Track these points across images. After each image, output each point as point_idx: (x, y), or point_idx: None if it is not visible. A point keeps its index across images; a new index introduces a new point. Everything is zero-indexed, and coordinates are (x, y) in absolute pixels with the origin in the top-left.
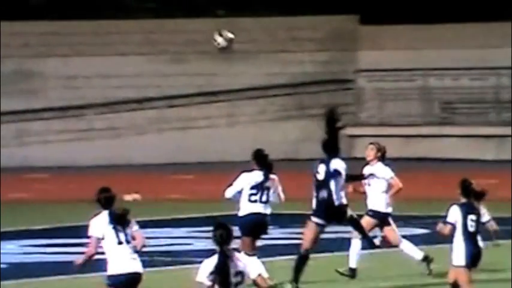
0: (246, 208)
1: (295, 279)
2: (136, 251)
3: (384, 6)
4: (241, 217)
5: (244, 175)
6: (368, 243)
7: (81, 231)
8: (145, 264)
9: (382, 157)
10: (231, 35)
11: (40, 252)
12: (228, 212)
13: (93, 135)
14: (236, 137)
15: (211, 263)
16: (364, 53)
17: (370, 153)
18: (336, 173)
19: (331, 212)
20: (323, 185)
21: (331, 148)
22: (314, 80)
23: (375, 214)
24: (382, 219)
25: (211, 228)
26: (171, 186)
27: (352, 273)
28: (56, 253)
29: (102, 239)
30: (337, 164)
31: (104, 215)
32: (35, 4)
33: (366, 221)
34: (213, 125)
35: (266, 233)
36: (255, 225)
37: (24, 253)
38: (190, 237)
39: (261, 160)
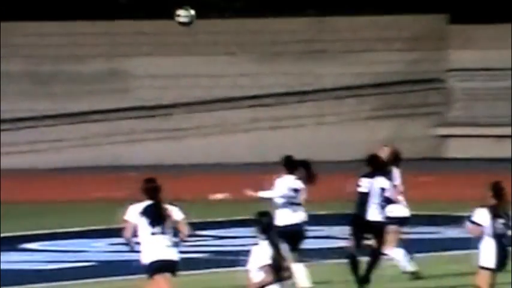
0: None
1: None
2: (176, 242)
3: (473, 5)
4: None
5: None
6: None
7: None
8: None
9: (395, 160)
10: (192, 11)
11: (128, 251)
12: (316, 212)
13: (181, 135)
14: (323, 137)
15: (261, 250)
16: (454, 52)
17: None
18: (381, 190)
19: (365, 226)
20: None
21: (378, 165)
22: (402, 80)
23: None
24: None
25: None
26: (258, 185)
27: (415, 275)
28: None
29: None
30: (382, 181)
31: (145, 204)
32: (122, 3)
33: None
34: (301, 124)
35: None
36: None
37: (112, 251)
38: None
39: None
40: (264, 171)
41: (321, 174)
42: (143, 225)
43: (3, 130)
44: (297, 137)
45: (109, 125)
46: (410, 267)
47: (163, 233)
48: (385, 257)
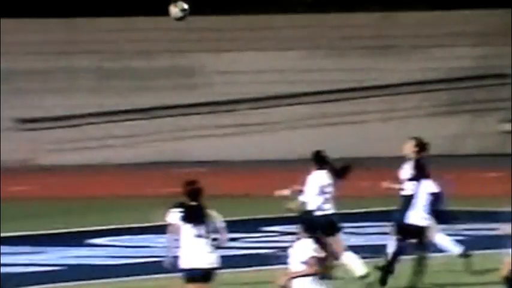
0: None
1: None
2: (218, 246)
3: None
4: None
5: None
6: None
7: (232, 226)
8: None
9: (421, 152)
10: (185, 6)
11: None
12: (387, 208)
13: (248, 130)
14: (391, 133)
15: (305, 246)
16: None
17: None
18: (429, 195)
19: (409, 230)
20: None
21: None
22: (470, 75)
23: None
24: None
25: (369, 224)
26: None
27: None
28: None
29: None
30: (430, 186)
31: (187, 206)
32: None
33: None
34: (368, 120)
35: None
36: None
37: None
38: (348, 233)
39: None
40: None
41: (386, 170)
42: (185, 227)
43: (73, 126)
44: (363, 133)
45: (176, 120)
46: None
47: (204, 236)
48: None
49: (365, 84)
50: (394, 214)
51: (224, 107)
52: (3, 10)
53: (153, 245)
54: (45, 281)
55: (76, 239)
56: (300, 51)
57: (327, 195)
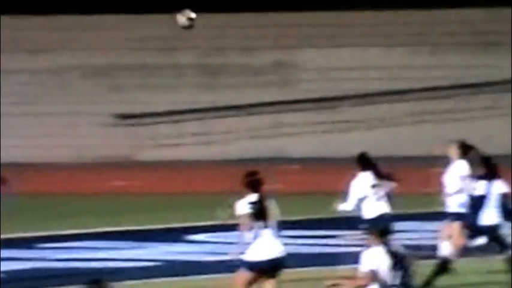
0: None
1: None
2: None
3: None
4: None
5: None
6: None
7: (332, 224)
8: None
9: (465, 154)
10: (192, 15)
11: (295, 244)
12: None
13: (348, 127)
14: (495, 130)
15: (374, 254)
16: None
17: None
18: (499, 195)
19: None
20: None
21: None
22: None
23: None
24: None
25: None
26: (425, 179)
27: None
28: (310, 245)
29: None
30: (501, 186)
31: (251, 198)
32: None
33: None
34: (472, 117)
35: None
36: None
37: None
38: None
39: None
40: (431, 165)
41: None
42: (251, 219)
43: (173, 122)
44: (467, 130)
45: (276, 117)
46: None
47: (269, 227)
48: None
49: (468, 81)
50: (464, 215)
51: (324, 104)
52: (108, 6)
53: None
54: (144, 276)
55: (176, 235)
56: (402, 47)
57: (374, 197)
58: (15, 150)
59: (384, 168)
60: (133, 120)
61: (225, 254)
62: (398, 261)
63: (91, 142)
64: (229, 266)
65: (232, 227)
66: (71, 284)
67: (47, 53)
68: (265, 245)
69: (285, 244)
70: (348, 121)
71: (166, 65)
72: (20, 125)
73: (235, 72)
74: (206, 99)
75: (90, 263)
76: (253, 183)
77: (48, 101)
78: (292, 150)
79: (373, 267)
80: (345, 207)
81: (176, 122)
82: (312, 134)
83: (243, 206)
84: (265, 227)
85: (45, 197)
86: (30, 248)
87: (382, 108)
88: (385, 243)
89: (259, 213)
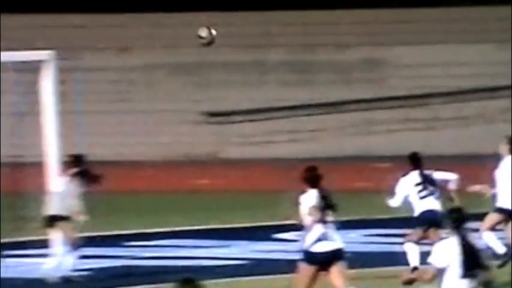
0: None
1: None
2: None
3: None
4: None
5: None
6: None
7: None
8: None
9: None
10: (213, 32)
11: (381, 242)
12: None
13: (439, 125)
14: None
15: (446, 245)
16: None
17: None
18: None
19: None
20: None
21: None
22: None
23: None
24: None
25: None
26: None
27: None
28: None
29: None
30: None
31: (312, 193)
32: None
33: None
34: None
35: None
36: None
37: (366, 242)
38: None
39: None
40: None
41: None
42: (317, 212)
43: (260, 120)
44: None
45: (365, 114)
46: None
47: (329, 220)
48: None
49: None
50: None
51: (414, 101)
52: (195, 4)
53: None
54: (230, 275)
55: (262, 233)
56: (494, 44)
57: (418, 195)
58: (102, 148)
59: (455, 168)
60: (219, 118)
61: None
62: (472, 254)
63: (177, 140)
64: None
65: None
66: (157, 282)
67: (135, 50)
68: (326, 238)
69: (371, 243)
70: (438, 119)
71: (254, 62)
72: (107, 123)
73: (324, 69)
74: (294, 97)
75: (176, 261)
76: (312, 178)
77: (135, 99)
78: (381, 147)
79: (445, 261)
80: (392, 203)
81: (263, 119)
82: (401, 132)
83: (309, 200)
84: (325, 220)
85: (131, 195)
86: (117, 245)
87: (473, 106)
88: (460, 235)
89: (323, 207)
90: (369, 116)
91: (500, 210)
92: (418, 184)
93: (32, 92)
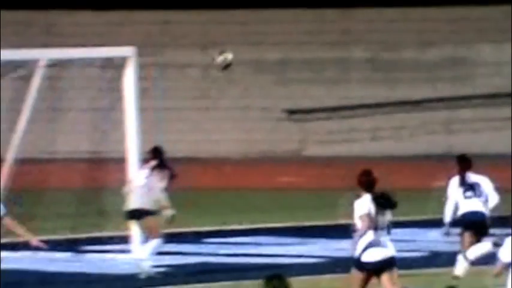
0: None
1: None
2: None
3: None
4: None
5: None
6: None
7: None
8: None
9: None
10: (229, 56)
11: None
12: None
13: None
14: None
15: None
16: None
17: None
18: None
19: None
20: None
21: None
22: None
23: None
24: None
25: None
26: None
27: None
28: None
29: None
30: None
31: (366, 198)
32: None
33: None
34: None
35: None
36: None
37: (447, 242)
38: None
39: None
40: None
41: None
42: (370, 219)
43: (343, 117)
44: None
45: (449, 113)
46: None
47: (382, 227)
48: None
49: None
50: None
51: (499, 100)
52: (281, 1)
53: (420, 239)
54: (309, 273)
55: (342, 232)
56: None
57: (468, 194)
58: (184, 145)
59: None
60: (301, 116)
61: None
62: None
63: (259, 137)
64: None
65: (401, 225)
66: (236, 279)
67: (218, 47)
68: (378, 245)
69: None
70: None
71: (338, 60)
72: (189, 119)
73: (407, 67)
74: (377, 95)
75: (256, 258)
76: (368, 183)
77: (217, 96)
78: (464, 146)
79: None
80: (447, 209)
81: (345, 117)
82: (485, 131)
83: (363, 205)
84: (378, 227)
85: (211, 191)
86: (197, 242)
87: None
88: None
89: (376, 213)
90: (452, 114)
91: None
92: (463, 185)
93: (113, 88)
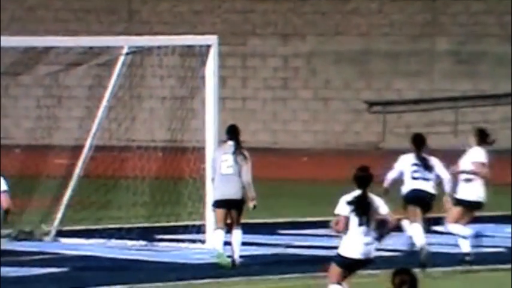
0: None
1: None
2: (377, 237)
3: None
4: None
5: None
6: None
7: None
8: None
9: (482, 141)
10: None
11: None
12: None
13: None
14: None
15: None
16: None
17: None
18: None
19: None
20: None
21: None
22: None
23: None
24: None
25: None
26: None
27: None
28: None
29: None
30: None
31: (355, 193)
32: None
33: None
34: None
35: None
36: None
37: None
38: None
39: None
40: None
41: None
42: (350, 215)
43: (423, 110)
44: None
45: None
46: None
47: (366, 225)
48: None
49: None
50: None
51: None
52: None
53: (498, 235)
54: (382, 266)
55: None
56: None
57: (416, 175)
58: (262, 135)
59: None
60: (381, 107)
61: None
62: None
63: (338, 128)
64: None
65: (483, 220)
66: (309, 271)
67: (299, 37)
68: (358, 243)
69: None
70: None
71: (421, 51)
72: (268, 110)
73: (490, 61)
74: (460, 88)
75: (332, 251)
76: (360, 179)
77: (298, 87)
78: None
79: None
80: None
81: (426, 110)
82: None
83: (343, 204)
84: (362, 224)
85: (288, 182)
86: (273, 234)
87: None
88: None
89: (358, 210)
90: None
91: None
92: (414, 165)
93: (194, 76)
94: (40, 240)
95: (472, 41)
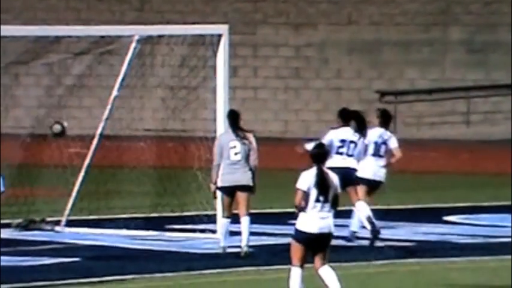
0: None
1: None
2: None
3: None
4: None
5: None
6: None
7: None
8: None
9: (384, 123)
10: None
11: None
12: None
13: None
14: None
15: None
16: None
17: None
18: None
19: None
20: None
21: None
22: None
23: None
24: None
25: None
26: None
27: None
28: None
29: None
30: None
31: (313, 170)
32: None
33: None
34: None
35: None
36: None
37: None
38: None
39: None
40: None
41: None
42: (310, 192)
43: (434, 100)
44: None
45: None
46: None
47: (324, 201)
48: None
49: None
50: None
51: None
52: None
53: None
54: (395, 256)
55: (432, 216)
56: None
57: (346, 151)
58: (273, 125)
59: None
60: (394, 97)
61: (482, 236)
62: None
63: None
64: (483, 249)
65: (490, 209)
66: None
67: (311, 27)
68: (315, 217)
69: None
70: None
71: (433, 41)
72: (280, 100)
73: (504, 50)
74: (472, 77)
75: (341, 241)
76: (316, 156)
77: (309, 76)
78: None
79: None
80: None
81: (438, 100)
82: None
83: (305, 178)
84: (319, 199)
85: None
86: (282, 223)
87: None
88: None
89: (315, 185)
90: None
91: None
92: (341, 141)
93: (204, 66)
94: (51, 230)
95: (485, 30)
